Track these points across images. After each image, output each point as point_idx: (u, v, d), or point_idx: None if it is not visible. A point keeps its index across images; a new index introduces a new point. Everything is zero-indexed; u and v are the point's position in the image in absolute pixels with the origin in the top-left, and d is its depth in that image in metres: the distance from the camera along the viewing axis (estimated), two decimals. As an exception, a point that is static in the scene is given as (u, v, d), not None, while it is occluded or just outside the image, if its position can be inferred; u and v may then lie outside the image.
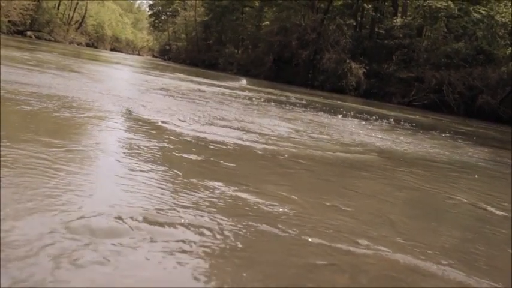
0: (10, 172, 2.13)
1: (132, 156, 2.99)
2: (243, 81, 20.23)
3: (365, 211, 2.71)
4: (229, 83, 16.59)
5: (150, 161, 2.93)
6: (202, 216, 2.05)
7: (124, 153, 3.08)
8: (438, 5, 25.90)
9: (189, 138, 3.94)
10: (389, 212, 2.76)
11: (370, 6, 31.95)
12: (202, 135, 4.17)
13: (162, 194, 2.27)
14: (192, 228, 1.89)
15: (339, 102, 16.51)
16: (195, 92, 9.37)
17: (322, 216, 2.40)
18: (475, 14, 25.01)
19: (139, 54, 76.56)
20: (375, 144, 5.75)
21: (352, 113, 10.71)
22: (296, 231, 2.07)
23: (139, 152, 3.12)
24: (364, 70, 28.12)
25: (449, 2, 25.62)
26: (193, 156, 3.26)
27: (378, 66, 28.47)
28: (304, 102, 12.56)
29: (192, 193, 2.37)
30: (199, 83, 13.24)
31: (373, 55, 29.57)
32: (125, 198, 2.12)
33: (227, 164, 3.23)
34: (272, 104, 9.80)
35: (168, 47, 62.02)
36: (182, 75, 17.13)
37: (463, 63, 24.40)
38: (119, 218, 1.84)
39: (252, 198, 2.47)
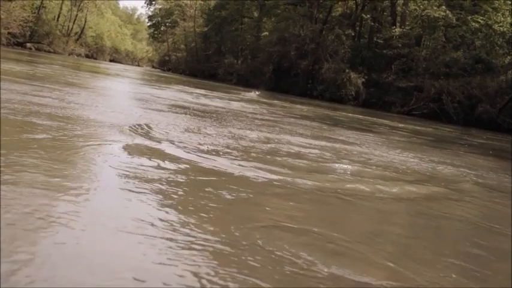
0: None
1: (155, 198, 2.44)
2: (253, 93, 20.33)
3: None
4: (241, 96, 16.63)
5: (176, 207, 2.35)
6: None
7: (146, 195, 2.46)
8: (436, 15, 26.01)
9: (225, 172, 3.29)
10: None
11: (368, 16, 32.10)
12: (235, 166, 3.51)
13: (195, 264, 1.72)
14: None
15: (344, 113, 16.59)
16: (209, 108, 9.13)
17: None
18: (473, 24, 25.09)
19: (138, 65, 76.86)
20: (423, 169, 5.16)
21: (366, 127, 10.87)
22: None
23: (161, 194, 2.54)
24: (363, 79, 28.18)
25: (448, 12, 25.72)
26: (231, 196, 2.66)
27: (377, 76, 28.52)
28: (311, 115, 12.68)
29: (246, 261, 1.79)
30: (210, 97, 13.00)
31: (372, 65, 29.66)
32: (142, 272, 1.61)
33: (282, 209, 2.57)
34: (289, 119, 9.72)
35: (167, 58, 62.22)
36: (188, 88, 17.07)
37: (461, 72, 24.46)
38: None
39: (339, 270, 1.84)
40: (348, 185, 3.55)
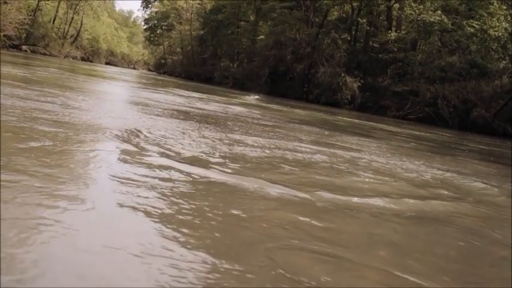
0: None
1: (158, 215, 2.25)
2: (251, 97, 20.38)
3: None
4: (239, 100, 16.59)
5: (182, 225, 2.16)
6: None
7: (150, 212, 2.27)
8: (432, 19, 26.18)
9: (233, 185, 3.07)
10: None
11: (364, 20, 32.24)
12: (244, 178, 3.28)
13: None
14: None
15: (341, 118, 16.67)
16: (210, 113, 9.07)
17: None
18: (469, 28, 25.28)
19: (134, 68, 76.84)
20: (440, 181, 4.89)
21: (365, 132, 10.89)
22: None
23: (164, 209, 2.35)
24: (359, 84, 28.27)
25: (443, 17, 25.91)
26: (240, 212, 2.47)
27: (373, 80, 28.65)
28: (310, 119, 12.73)
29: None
30: (209, 102, 12.89)
31: (368, 69, 29.77)
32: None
33: (299, 226, 2.38)
34: (290, 124, 9.71)
35: (163, 61, 62.33)
36: (185, 92, 17.01)
37: (457, 77, 24.61)
38: None
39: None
40: (371, 201, 3.24)
